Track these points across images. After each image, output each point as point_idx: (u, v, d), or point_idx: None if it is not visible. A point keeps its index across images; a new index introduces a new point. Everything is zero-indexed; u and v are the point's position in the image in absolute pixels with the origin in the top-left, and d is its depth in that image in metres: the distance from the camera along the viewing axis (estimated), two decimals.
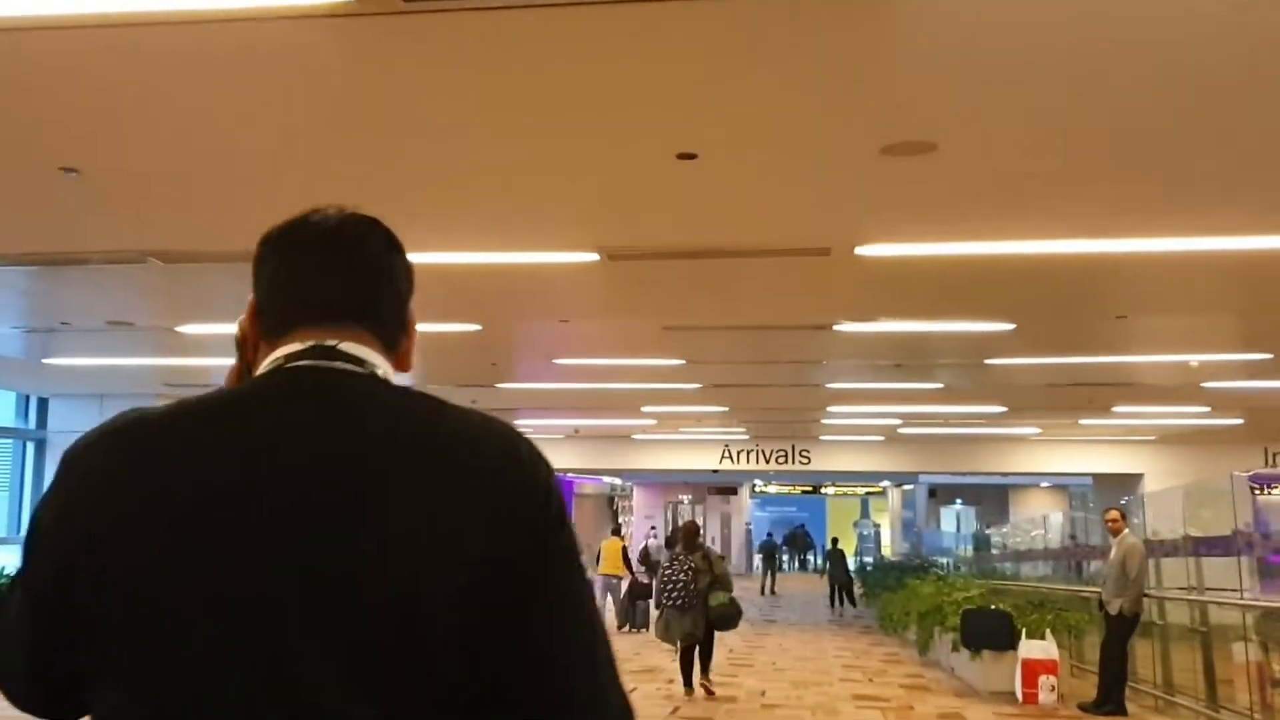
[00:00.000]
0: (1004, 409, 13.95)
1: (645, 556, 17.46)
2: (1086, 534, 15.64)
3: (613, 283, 6.03)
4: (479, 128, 3.84)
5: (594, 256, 5.37)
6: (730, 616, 10.01)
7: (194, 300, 6.96)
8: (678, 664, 10.41)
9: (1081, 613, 11.15)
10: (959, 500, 37.38)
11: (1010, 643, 10.11)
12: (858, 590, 24.53)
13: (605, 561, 16.82)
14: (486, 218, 4.93)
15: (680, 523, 37.41)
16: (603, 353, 9.16)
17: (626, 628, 16.38)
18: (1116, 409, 13.71)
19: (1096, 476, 21.93)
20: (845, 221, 4.88)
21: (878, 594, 23.00)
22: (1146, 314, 7.18)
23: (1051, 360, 9.17)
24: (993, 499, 36.19)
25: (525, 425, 17.61)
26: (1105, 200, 4.59)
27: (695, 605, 9.76)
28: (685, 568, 9.92)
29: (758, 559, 39.07)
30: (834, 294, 6.46)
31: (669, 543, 16.43)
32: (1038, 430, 17.79)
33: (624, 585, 16.51)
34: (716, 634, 10.38)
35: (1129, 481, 20.04)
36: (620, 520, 42.35)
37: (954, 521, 37.85)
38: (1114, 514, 9.43)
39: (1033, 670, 9.75)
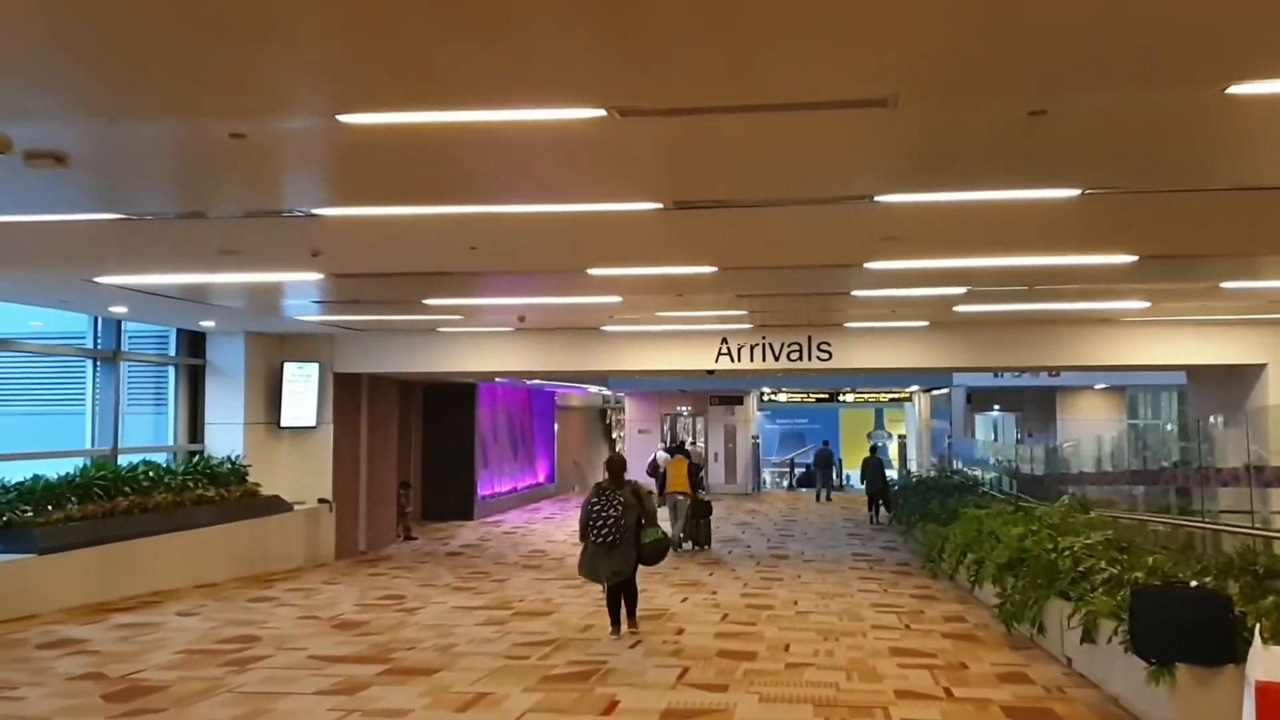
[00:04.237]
0: (1134, 259, 9.09)
1: (654, 469, 18.16)
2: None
3: None
4: None
5: None
6: (663, 549, 9.71)
7: None
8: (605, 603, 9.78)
9: None
10: (996, 406, 32.66)
11: (1229, 651, 5.45)
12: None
13: (672, 480, 17.52)
14: None
15: (676, 436, 33.20)
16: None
17: (690, 544, 17.37)
18: None
19: (1195, 370, 17.09)
20: None
21: (913, 520, 18.54)
22: None
23: None
24: (1036, 403, 31.46)
25: (443, 307, 12.84)
26: None
27: (625, 542, 9.25)
28: (614, 503, 9.30)
29: (767, 474, 34.96)
30: None
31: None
32: (1144, 304, 12.93)
33: (689, 502, 17.40)
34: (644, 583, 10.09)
35: (1244, 375, 15.28)
36: (614, 435, 38.28)
37: (991, 430, 33.20)
38: None
39: (1277, 702, 5.08)
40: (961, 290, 11.47)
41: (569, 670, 7.95)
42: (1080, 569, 7.85)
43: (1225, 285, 11.22)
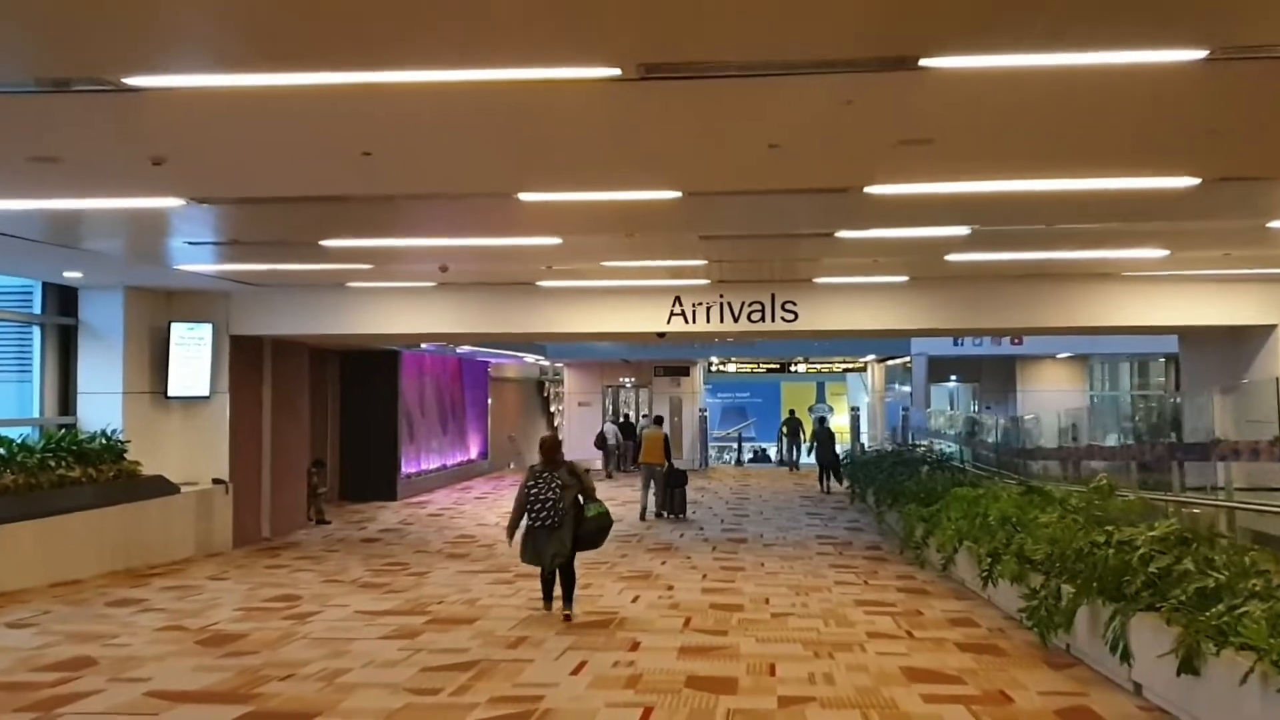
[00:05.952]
0: (1196, 182, 7.34)
1: (602, 441, 19.30)
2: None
3: None
4: None
5: None
6: (606, 529, 9.29)
7: None
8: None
9: None
10: (954, 376, 31.16)
11: None
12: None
13: (647, 451, 17.99)
14: None
15: (620, 410, 31.35)
16: None
17: (666, 514, 17.64)
18: None
19: (1191, 333, 15.51)
20: None
21: (882, 499, 16.85)
22: None
23: None
24: (995, 373, 29.95)
25: (348, 251, 10.78)
26: None
27: (565, 523, 8.96)
28: (553, 485, 8.98)
29: (704, 444, 33.24)
30: None
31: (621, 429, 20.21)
32: (1163, 253, 11.27)
33: (664, 472, 17.80)
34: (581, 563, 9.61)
35: (1247, 338, 13.78)
36: (553, 409, 36.24)
37: (947, 401, 31.72)
38: None
39: None
40: (965, 231, 9.67)
41: (492, 713, 5.99)
42: (1152, 570, 6.08)
43: (1272, 225, 9.56)
